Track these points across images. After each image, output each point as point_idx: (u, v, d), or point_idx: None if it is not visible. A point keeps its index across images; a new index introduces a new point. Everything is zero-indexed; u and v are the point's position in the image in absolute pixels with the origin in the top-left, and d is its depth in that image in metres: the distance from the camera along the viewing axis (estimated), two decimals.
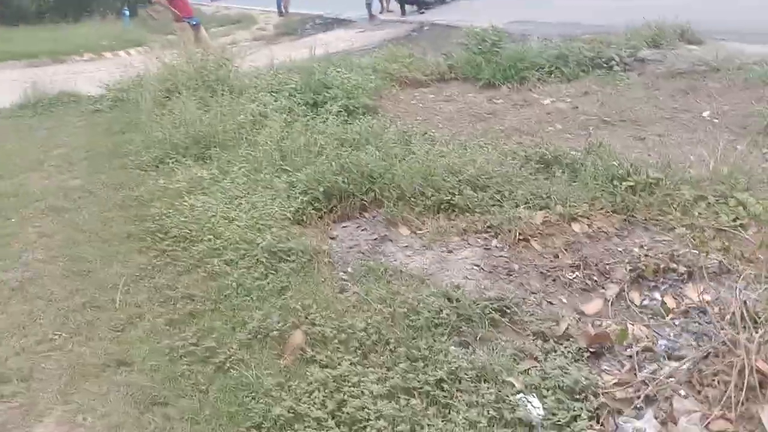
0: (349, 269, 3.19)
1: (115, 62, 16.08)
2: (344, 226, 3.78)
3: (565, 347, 2.35)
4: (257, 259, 3.17)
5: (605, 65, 6.65)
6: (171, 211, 3.83)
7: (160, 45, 16.43)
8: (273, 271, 3.10)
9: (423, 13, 15.72)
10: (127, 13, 21.38)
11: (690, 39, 7.05)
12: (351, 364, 2.32)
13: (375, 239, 3.51)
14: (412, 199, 3.73)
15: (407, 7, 16.24)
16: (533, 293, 2.80)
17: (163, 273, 3.25)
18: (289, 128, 5.03)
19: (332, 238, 3.65)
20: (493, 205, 3.56)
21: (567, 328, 2.47)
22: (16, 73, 14.69)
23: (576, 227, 3.31)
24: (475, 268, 3.07)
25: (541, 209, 3.45)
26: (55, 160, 5.28)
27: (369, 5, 16.52)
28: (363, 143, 4.60)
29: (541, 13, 11.12)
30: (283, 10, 21.62)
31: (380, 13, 16.82)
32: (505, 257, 3.13)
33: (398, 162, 4.06)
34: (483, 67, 7.15)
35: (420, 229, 3.53)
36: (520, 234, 3.26)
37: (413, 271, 3.05)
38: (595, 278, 2.87)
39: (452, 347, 2.40)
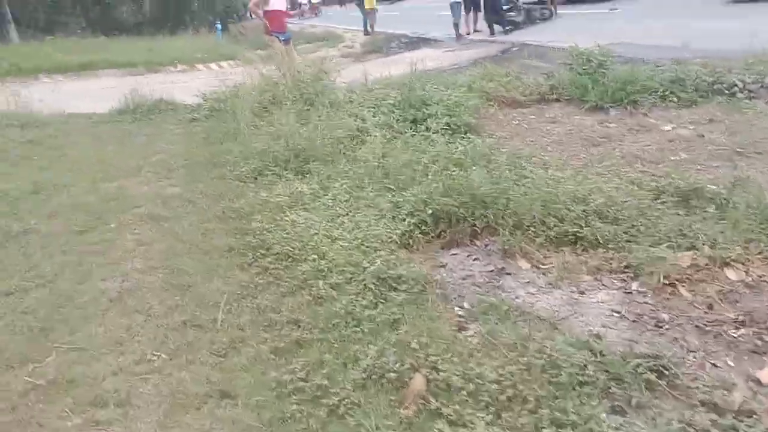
0: (466, 304, 2.88)
1: (208, 74, 16.63)
2: (454, 254, 3.48)
3: (748, 425, 1.94)
4: (365, 285, 2.91)
5: (727, 91, 6.07)
6: (272, 226, 3.65)
7: (250, 58, 16.96)
8: (383, 300, 2.83)
9: (509, 32, 15.37)
10: (220, 27, 22.10)
11: None
12: (487, 424, 1.99)
13: (491, 271, 3.19)
14: (532, 228, 3.38)
15: (496, 27, 15.91)
16: (691, 351, 2.39)
17: (265, 293, 3.04)
18: (389, 145, 4.81)
19: (442, 266, 3.36)
20: (628, 241, 3.16)
21: (744, 402, 2.06)
22: (114, 81, 15.36)
23: (731, 274, 2.86)
24: (615, 315, 2.68)
25: (686, 249, 3.03)
26: (154, 167, 5.27)
27: (456, 25, 16.33)
28: (470, 164, 4.30)
29: (633, 34, 10.54)
30: (369, 29, 21.79)
31: (467, 33, 16.56)
32: (649, 304, 2.73)
33: (513, 186, 3.73)
34: (589, 88, 6.72)
35: (542, 264, 3.18)
36: (664, 277, 2.85)
37: (541, 313, 2.70)
38: (765, 338, 2.43)
39: (604, 414, 2.04)
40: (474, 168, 4.17)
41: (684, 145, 4.83)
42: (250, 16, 22.61)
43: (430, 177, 3.98)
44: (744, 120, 5.19)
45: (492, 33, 15.52)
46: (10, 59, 16.62)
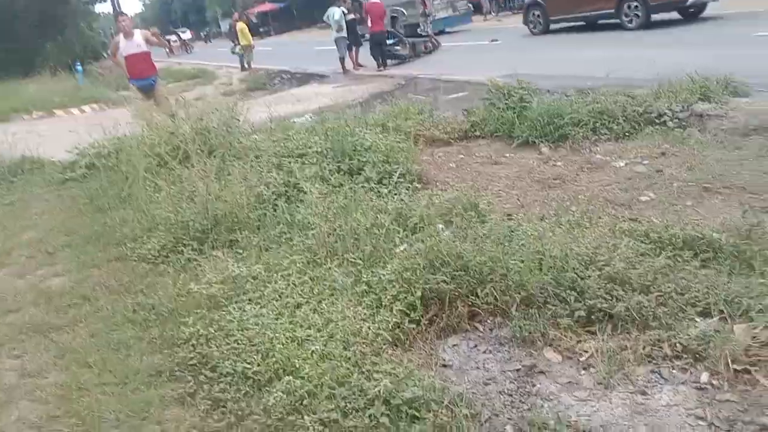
0: (509, 429, 2.17)
1: (71, 120, 14.79)
2: (454, 345, 2.77)
3: None
4: (375, 420, 2.11)
5: (657, 121, 5.97)
6: (212, 330, 2.73)
7: (114, 101, 15.34)
8: None
9: (397, 65, 15.23)
10: (80, 68, 20.09)
11: (736, 91, 6.51)
12: None
13: (517, 370, 2.51)
14: (548, 306, 2.76)
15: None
16: None
17: None
18: (331, 202, 4.04)
19: (445, 366, 2.64)
20: (667, 314, 2.63)
21: None
22: None
23: None
24: (700, 422, 2.10)
25: (739, 319, 2.54)
26: (27, 249, 4.08)
27: (342, 59, 15.89)
28: (434, 222, 3.66)
29: (527, 66, 10.64)
30: (246, 65, 20.82)
31: (354, 68, 16.18)
32: (735, 402, 2.18)
33: (503, 250, 3.11)
34: (516, 123, 6.38)
35: (576, 353, 2.56)
36: (732, 361, 2.33)
37: None
38: None
39: None
40: (442, 228, 3.53)
41: (645, 183, 4.50)
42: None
43: (403, 246, 3.26)
44: (693, 152, 5.01)
45: (380, 67, 15.23)
46: None
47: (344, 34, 15.61)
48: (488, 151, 6.11)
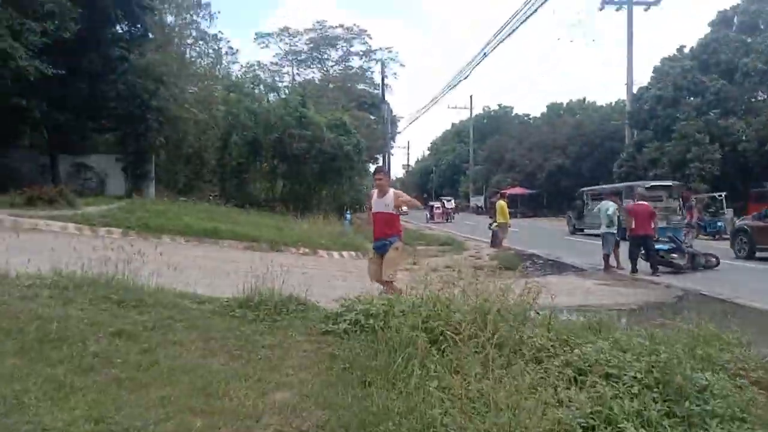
0: None
1: (330, 262, 15.66)
2: None
3: None
4: None
5: None
6: None
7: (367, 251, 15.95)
8: None
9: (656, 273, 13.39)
10: (349, 216, 21.86)
11: None
12: None
13: None
14: None
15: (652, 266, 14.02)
16: None
17: None
18: None
19: None
20: None
21: None
22: (235, 254, 14.58)
23: None
24: None
25: None
26: (278, 417, 3.45)
27: (607, 255, 14.61)
28: None
29: None
30: (498, 242, 20.61)
31: (617, 267, 14.71)
32: None
33: None
34: None
35: None
36: None
37: None
38: None
39: None
40: None
41: None
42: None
43: None
44: None
45: (655, 272, 13.59)
46: (140, 214, 16.65)
47: (614, 230, 14.50)
48: None
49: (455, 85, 44.16)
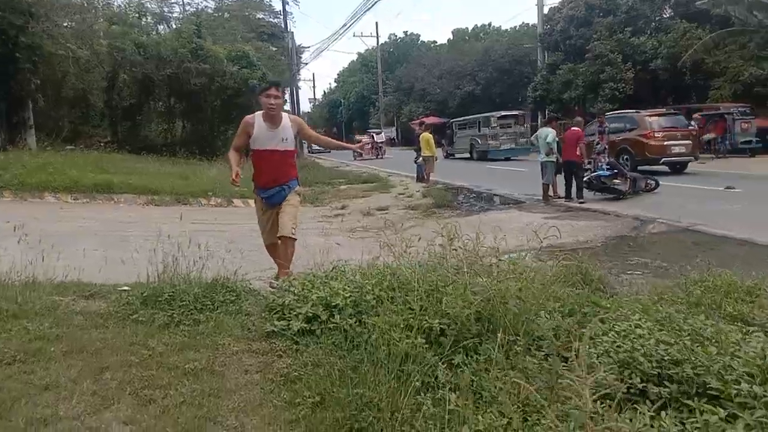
0: None
1: (249, 213, 13.84)
2: None
3: None
4: None
5: None
6: None
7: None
8: None
9: (620, 199, 12.82)
10: None
11: None
12: None
13: None
14: None
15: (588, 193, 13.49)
16: None
17: None
18: None
19: None
20: None
21: None
22: (134, 212, 12.50)
23: None
24: None
25: None
26: None
27: (547, 185, 13.79)
28: None
29: None
30: (426, 176, 19.46)
31: (557, 197, 14.01)
32: None
33: None
34: None
35: None
36: None
37: None
38: None
39: None
40: None
41: None
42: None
43: None
44: None
45: (568, 198, 13.25)
46: (15, 170, 14.00)
47: (554, 158, 13.62)
48: None
49: (361, 16, 41.57)
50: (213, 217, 12.01)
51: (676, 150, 17.45)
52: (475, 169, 24.86)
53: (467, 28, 70.31)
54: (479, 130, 30.70)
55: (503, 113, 31.31)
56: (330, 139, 7.77)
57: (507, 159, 29.20)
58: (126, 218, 11.09)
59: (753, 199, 11.96)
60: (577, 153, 13.15)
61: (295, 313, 3.94)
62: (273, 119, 5.42)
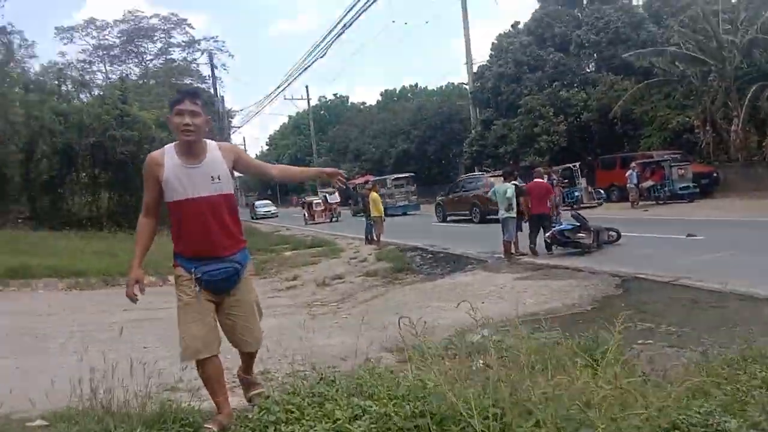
0: None
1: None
2: None
3: None
4: None
5: None
6: None
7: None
8: None
9: (583, 254, 12.29)
10: None
11: None
12: None
13: None
14: None
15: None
16: None
17: None
18: None
19: None
20: None
21: None
22: (56, 301, 10.80)
23: None
24: None
25: None
26: None
27: (509, 242, 13.11)
28: None
29: None
30: (375, 237, 18.54)
31: (518, 254, 13.34)
32: None
33: None
34: None
35: None
36: None
37: None
38: None
39: None
40: None
41: None
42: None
43: None
44: None
45: (534, 254, 12.71)
46: None
47: (514, 214, 13.03)
48: None
49: (292, 81, 41.38)
50: (147, 300, 10.47)
51: None
52: (423, 228, 24.18)
53: (395, 89, 71.85)
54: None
55: (396, 176, 35.63)
56: (297, 167, 5.50)
57: (404, 214, 32.73)
58: (45, 309, 9.50)
59: (720, 246, 11.65)
60: (548, 206, 12.74)
61: None
62: (192, 149, 3.45)
